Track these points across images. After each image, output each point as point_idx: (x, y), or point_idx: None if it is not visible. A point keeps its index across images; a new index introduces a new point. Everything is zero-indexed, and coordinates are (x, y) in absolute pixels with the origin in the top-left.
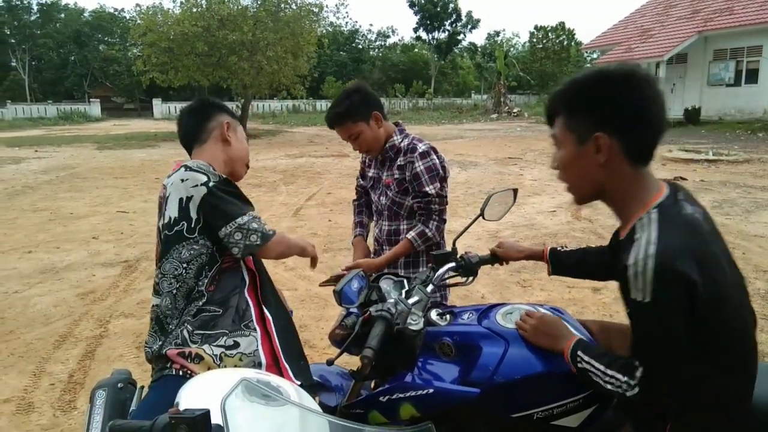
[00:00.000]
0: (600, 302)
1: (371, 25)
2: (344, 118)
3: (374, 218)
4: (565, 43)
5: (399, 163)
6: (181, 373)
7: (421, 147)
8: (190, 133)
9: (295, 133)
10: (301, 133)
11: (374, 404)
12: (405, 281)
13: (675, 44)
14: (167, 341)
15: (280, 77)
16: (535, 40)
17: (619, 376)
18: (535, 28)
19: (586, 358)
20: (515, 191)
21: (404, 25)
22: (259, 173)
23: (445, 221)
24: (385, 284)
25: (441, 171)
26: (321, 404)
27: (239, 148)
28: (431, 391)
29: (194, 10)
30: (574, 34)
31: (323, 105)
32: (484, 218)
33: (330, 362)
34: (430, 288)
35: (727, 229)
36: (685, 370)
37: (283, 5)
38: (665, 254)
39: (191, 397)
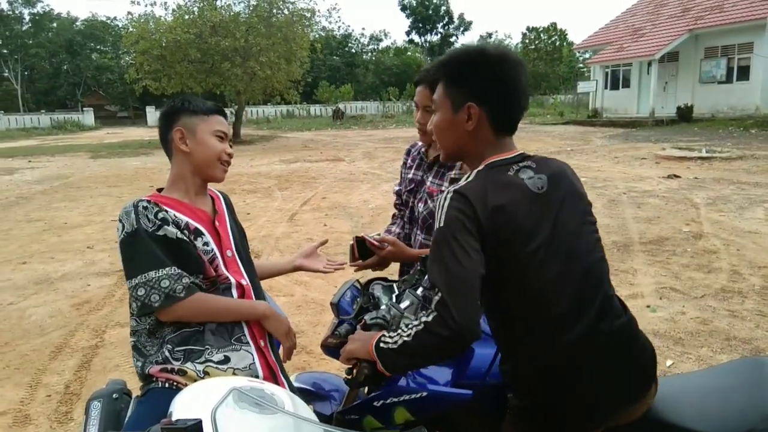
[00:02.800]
0: None
1: (364, 29)
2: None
3: (408, 228)
4: (558, 43)
5: (452, 175)
6: (167, 385)
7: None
8: (164, 150)
9: (289, 138)
10: (295, 138)
11: (369, 410)
12: (395, 285)
13: (666, 43)
14: (148, 361)
15: (274, 83)
16: (527, 41)
17: (417, 317)
18: (528, 29)
19: (388, 334)
20: None
21: (397, 29)
22: (253, 179)
23: None
24: (376, 290)
25: None
26: (316, 412)
27: (201, 151)
28: (425, 394)
29: (186, 17)
30: (566, 35)
31: (317, 110)
32: None
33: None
34: (420, 291)
35: (721, 225)
36: (471, 298)
37: (275, 11)
38: (462, 190)
39: (184, 407)
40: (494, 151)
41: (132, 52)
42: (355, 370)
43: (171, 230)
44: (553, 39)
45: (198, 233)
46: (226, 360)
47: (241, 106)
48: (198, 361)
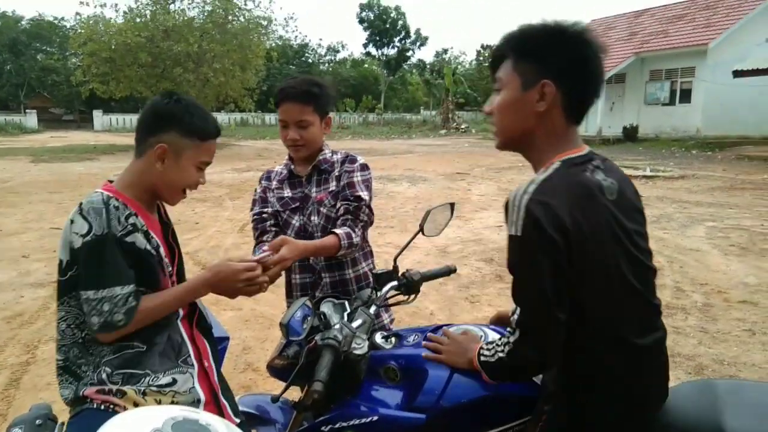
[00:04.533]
0: None
1: (321, 39)
2: (309, 99)
3: None
4: None
5: (336, 173)
6: (103, 407)
7: (361, 159)
8: (136, 141)
9: (242, 146)
10: (249, 147)
11: None
12: (346, 303)
13: (614, 65)
14: (82, 384)
15: (228, 90)
16: (481, 58)
17: (506, 335)
18: (482, 46)
19: (486, 347)
20: (452, 205)
21: (354, 41)
22: (204, 187)
23: (366, 239)
24: (326, 308)
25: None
26: None
27: (173, 177)
28: (376, 418)
29: (138, 20)
30: None
31: (272, 118)
32: (423, 234)
33: (275, 399)
34: (373, 309)
35: (665, 243)
36: (557, 313)
37: (230, 17)
38: (542, 193)
39: None
40: (567, 144)
41: (79, 54)
42: (303, 393)
43: (140, 240)
44: None
45: (157, 245)
46: (172, 383)
47: None
48: (139, 384)
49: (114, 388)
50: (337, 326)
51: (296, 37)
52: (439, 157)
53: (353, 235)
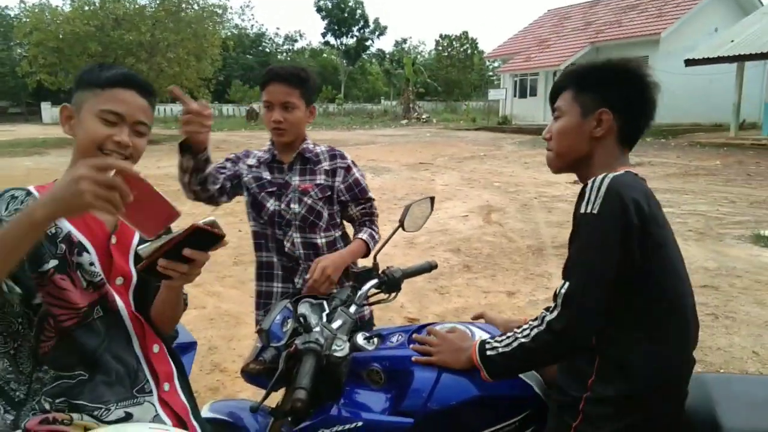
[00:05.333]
0: (515, 306)
1: (278, 28)
2: (298, 83)
3: (268, 229)
4: (469, 51)
5: (325, 167)
6: None
7: (348, 155)
8: None
9: None
10: None
11: None
12: (325, 303)
13: (570, 54)
14: (21, 414)
15: (183, 80)
16: (440, 48)
17: (535, 321)
18: (440, 36)
19: (494, 339)
20: (432, 199)
21: (312, 30)
22: (161, 181)
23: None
24: (304, 308)
25: None
26: None
27: (79, 136)
28: (360, 424)
29: (86, 8)
30: (477, 44)
31: (229, 109)
32: (404, 230)
33: (255, 408)
34: (353, 308)
35: None
36: (603, 298)
37: (184, 5)
38: (620, 182)
39: None
40: (621, 163)
41: (25, 44)
42: (282, 399)
43: None
44: (465, 47)
45: (81, 249)
46: (127, 417)
47: None
48: (90, 414)
49: (59, 416)
50: (318, 328)
51: (252, 26)
52: (401, 147)
53: (375, 234)
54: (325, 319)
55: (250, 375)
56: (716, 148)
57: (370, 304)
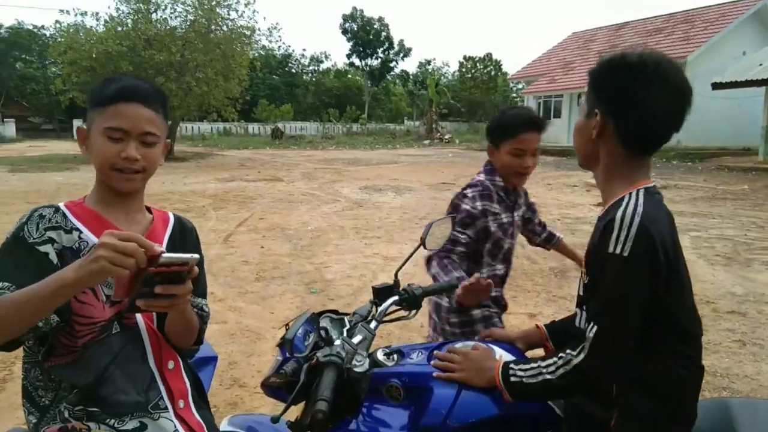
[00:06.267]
0: None
1: (304, 49)
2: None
3: (500, 267)
4: (493, 73)
5: (522, 197)
6: None
7: None
8: None
9: (225, 156)
10: (232, 156)
11: None
12: (345, 319)
13: None
14: (43, 420)
15: (210, 99)
16: (464, 69)
17: (560, 356)
18: (464, 58)
19: (518, 366)
20: (453, 218)
21: (337, 51)
22: (187, 197)
23: None
24: (325, 323)
25: None
26: None
27: (93, 155)
28: None
29: (119, 29)
30: (501, 65)
31: (255, 128)
32: (425, 248)
33: (276, 419)
34: (373, 324)
35: None
36: (634, 342)
37: (213, 27)
38: (649, 218)
39: None
40: (638, 174)
41: (59, 63)
42: (301, 412)
43: (53, 255)
44: (489, 69)
45: None
46: (142, 427)
47: (176, 122)
48: (106, 423)
49: (77, 425)
50: (339, 342)
51: (280, 47)
52: (423, 168)
53: None
54: (345, 334)
55: (270, 388)
56: (744, 172)
57: (390, 321)
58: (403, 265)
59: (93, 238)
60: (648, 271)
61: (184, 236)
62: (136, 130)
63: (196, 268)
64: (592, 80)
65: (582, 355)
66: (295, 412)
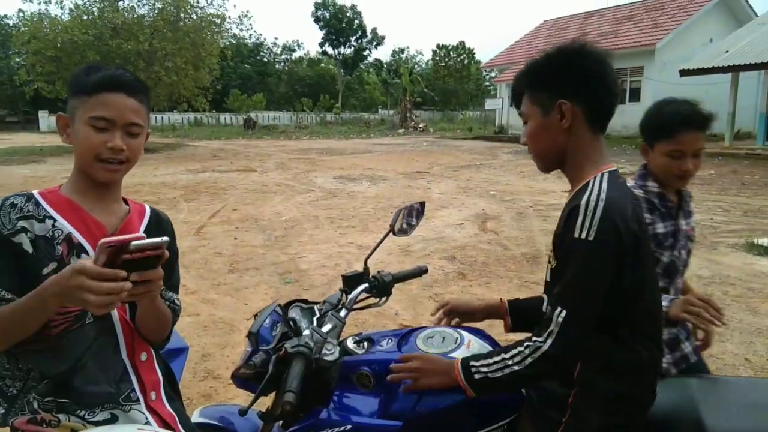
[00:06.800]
0: None
1: (276, 38)
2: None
3: (666, 282)
4: (466, 61)
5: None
6: None
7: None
8: None
9: (197, 146)
10: (204, 147)
11: None
12: (315, 308)
13: None
14: (12, 411)
15: (180, 89)
16: (437, 58)
17: (525, 344)
18: (438, 46)
19: (480, 363)
20: (422, 204)
21: (310, 40)
22: (157, 189)
23: None
24: (294, 313)
25: None
26: None
27: (76, 145)
28: (349, 427)
29: (84, 17)
30: (474, 54)
31: (227, 118)
32: (394, 234)
33: (244, 411)
34: (343, 313)
35: None
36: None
37: (182, 15)
38: (613, 203)
39: None
40: (602, 158)
41: (23, 53)
42: (272, 403)
43: (27, 243)
44: (462, 57)
45: (81, 250)
46: (113, 419)
47: None
48: (75, 414)
49: (47, 417)
50: (307, 332)
51: (251, 35)
52: (398, 156)
53: None
54: (315, 324)
55: (240, 380)
56: (711, 158)
57: (361, 308)
58: (372, 252)
59: (67, 227)
60: (612, 254)
61: (160, 229)
62: (122, 120)
63: (166, 252)
64: (534, 82)
65: (550, 341)
66: (267, 401)
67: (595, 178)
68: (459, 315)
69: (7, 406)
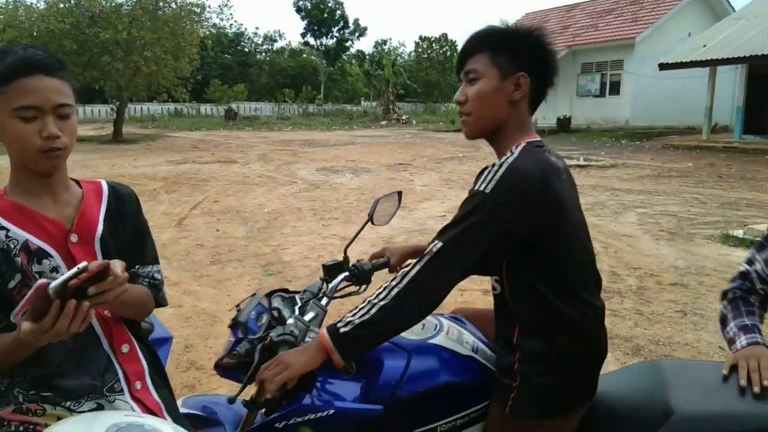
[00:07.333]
0: (489, 303)
1: (257, 28)
2: None
3: None
4: (449, 53)
5: None
6: (21, 429)
7: None
8: None
9: (177, 137)
10: (184, 138)
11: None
12: (296, 297)
13: None
14: None
15: (160, 79)
16: (420, 49)
17: (392, 279)
18: (420, 38)
19: (346, 318)
20: (399, 194)
21: (292, 30)
22: (137, 181)
23: None
24: (276, 302)
25: None
26: None
27: (9, 141)
28: (332, 411)
29: (61, 5)
30: (456, 46)
31: (208, 109)
32: (372, 223)
33: (232, 400)
34: (324, 301)
35: (599, 229)
36: (464, 271)
37: (161, 3)
38: (518, 166)
39: None
40: (528, 131)
41: None
42: (255, 391)
43: None
44: (445, 49)
45: (41, 255)
46: (99, 409)
47: (123, 103)
48: (62, 405)
49: (32, 407)
50: (291, 321)
51: (231, 25)
52: (381, 148)
53: None
54: (297, 312)
55: (224, 369)
56: (689, 151)
57: (341, 297)
58: (351, 242)
59: (21, 234)
60: (504, 209)
61: (122, 206)
62: (49, 104)
63: (115, 267)
64: (500, 45)
65: (418, 267)
66: (250, 390)
67: (515, 147)
68: (392, 258)
69: None
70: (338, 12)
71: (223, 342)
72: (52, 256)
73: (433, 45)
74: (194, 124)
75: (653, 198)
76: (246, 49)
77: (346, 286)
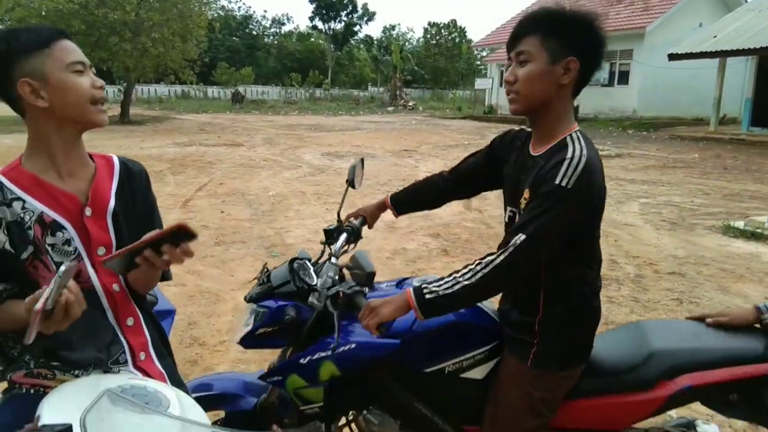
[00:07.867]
0: None
1: (265, 11)
2: None
3: None
4: (457, 40)
5: None
6: (32, 391)
7: None
8: (13, 110)
9: (184, 120)
10: (190, 121)
11: (294, 368)
12: (306, 261)
13: None
14: (10, 368)
15: (167, 60)
16: (428, 36)
17: (477, 262)
18: (429, 24)
19: (432, 284)
20: (362, 160)
21: (299, 14)
22: (143, 161)
23: None
24: (296, 265)
25: None
26: (234, 413)
27: (65, 98)
28: (353, 345)
29: None
30: (466, 32)
31: (215, 92)
32: (353, 188)
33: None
34: (334, 260)
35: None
36: (541, 257)
37: None
38: (592, 162)
39: (53, 410)
40: (572, 116)
41: (7, 20)
42: (278, 357)
43: (1, 231)
44: (453, 35)
45: (56, 228)
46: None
47: (131, 84)
48: (69, 373)
49: (43, 371)
50: (333, 277)
51: (240, 7)
52: (386, 134)
53: None
54: (313, 274)
55: (255, 341)
56: (696, 142)
57: (345, 252)
58: (341, 206)
59: (37, 206)
60: (581, 204)
61: (133, 182)
62: (88, 62)
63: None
64: (552, 28)
65: (503, 255)
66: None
67: (572, 135)
68: (367, 215)
69: (5, 366)
70: None
71: (228, 321)
72: (66, 229)
73: (442, 31)
74: (201, 106)
75: (657, 188)
76: (254, 32)
77: (345, 244)
